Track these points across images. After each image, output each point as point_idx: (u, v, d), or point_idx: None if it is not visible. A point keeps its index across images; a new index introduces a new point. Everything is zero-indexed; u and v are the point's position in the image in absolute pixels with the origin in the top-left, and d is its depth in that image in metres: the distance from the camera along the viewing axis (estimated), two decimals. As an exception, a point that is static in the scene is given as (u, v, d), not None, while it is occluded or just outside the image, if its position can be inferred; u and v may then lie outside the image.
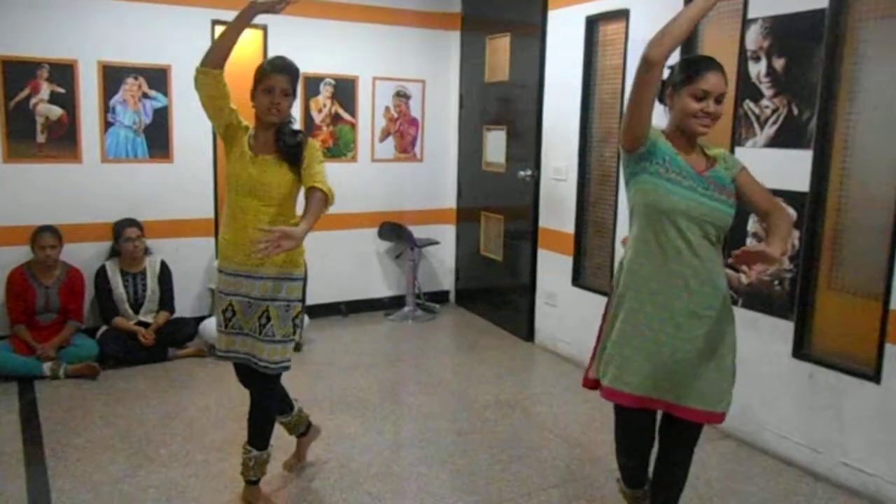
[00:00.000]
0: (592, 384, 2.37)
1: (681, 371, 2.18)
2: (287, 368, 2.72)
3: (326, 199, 2.56)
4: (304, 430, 3.10)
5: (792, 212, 3.10)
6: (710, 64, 2.13)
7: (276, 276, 2.65)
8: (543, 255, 4.90)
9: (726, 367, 2.23)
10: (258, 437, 2.78)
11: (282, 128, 2.65)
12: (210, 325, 3.95)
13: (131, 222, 4.51)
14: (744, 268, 1.93)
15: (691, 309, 2.16)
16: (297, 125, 2.79)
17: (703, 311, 2.17)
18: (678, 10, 2.12)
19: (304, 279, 2.79)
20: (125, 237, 4.43)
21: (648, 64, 1.98)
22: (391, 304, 5.75)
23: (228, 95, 2.60)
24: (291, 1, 2.50)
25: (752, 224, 3.32)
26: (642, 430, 2.33)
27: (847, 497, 3.01)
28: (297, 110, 5.09)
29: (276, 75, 2.58)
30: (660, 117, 2.29)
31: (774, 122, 3.26)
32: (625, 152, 2.20)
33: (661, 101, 2.23)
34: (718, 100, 2.11)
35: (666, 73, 2.22)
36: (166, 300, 4.60)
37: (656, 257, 2.16)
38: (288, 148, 2.63)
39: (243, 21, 2.50)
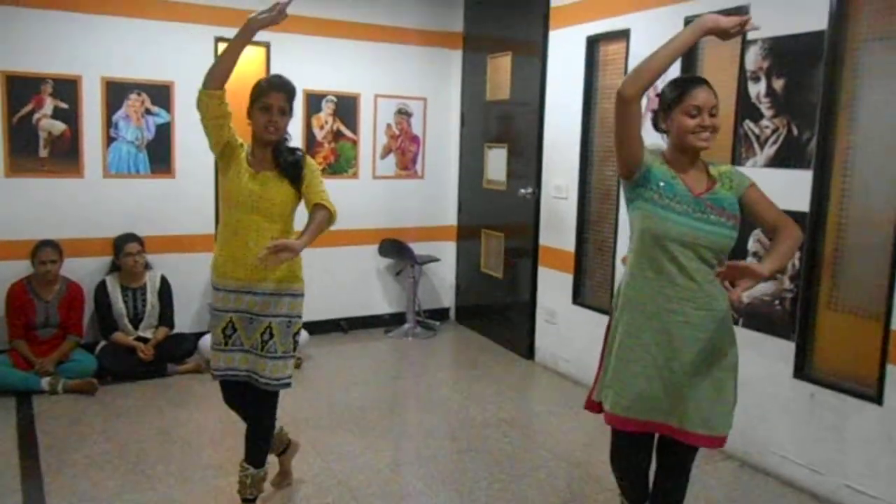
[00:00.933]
0: (595, 407, 2.36)
1: (680, 394, 2.17)
2: (288, 385, 2.70)
3: (330, 216, 2.59)
4: (283, 448, 3.08)
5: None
6: (697, 80, 2.17)
7: (277, 292, 2.65)
8: (544, 273, 4.90)
9: (727, 390, 2.22)
10: (256, 454, 2.76)
11: (279, 145, 2.66)
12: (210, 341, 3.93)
13: (132, 237, 4.52)
14: (727, 284, 1.94)
15: (688, 333, 2.15)
16: (294, 142, 2.79)
17: (701, 334, 2.16)
18: (678, 30, 2.14)
19: None
20: (125, 252, 4.44)
21: (623, 100, 2.01)
22: (391, 321, 5.74)
23: (230, 114, 2.60)
24: (286, 13, 2.48)
25: (753, 243, 3.32)
26: (640, 453, 2.33)
27: (849, 519, 3.00)
28: (298, 127, 5.12)
29: (274, 93, 2.58)
30: (654, 137, 2.30)
31: (774, 142, 3.28)
32: (622, 178, 2.22)
33: (657, 128, 2.24)
34: (712, 113, 2.12)
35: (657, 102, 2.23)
36: (166, 316, 4.59)
37: (652, 282, 2.17)
38: (288, 165, 2.64)
39: (244, 39, 2.50)
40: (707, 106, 2.11)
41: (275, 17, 2.47)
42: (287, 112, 2.63)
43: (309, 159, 2.72)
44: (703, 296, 2.14)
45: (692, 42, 2.08)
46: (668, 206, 2.12)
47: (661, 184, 2.14)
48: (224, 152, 2.64)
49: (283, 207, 2.64)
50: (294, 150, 2.71)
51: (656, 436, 2.33)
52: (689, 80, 2.19)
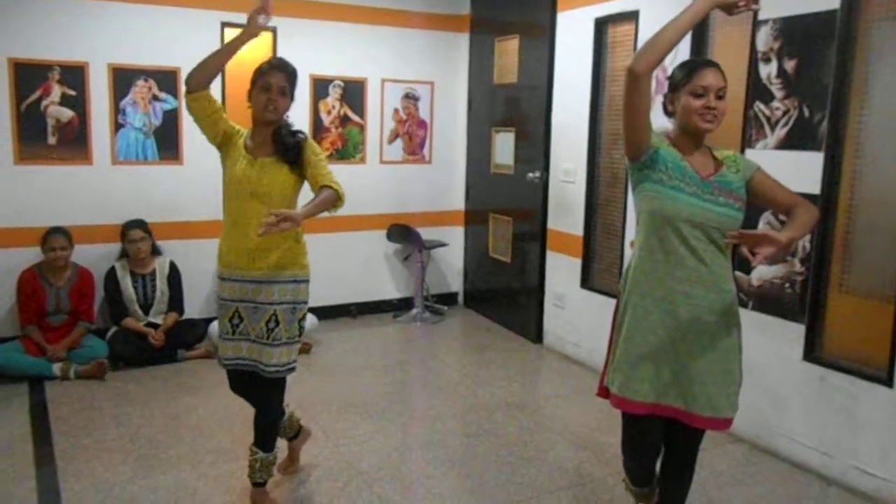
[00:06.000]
0: (606, 393, 2.35)
1: (688, 377, 2.17)
2: (293, 370, 2.71)
3: (337, 197, 2.55)
4: (294, 434, 3.09)
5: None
6: (706, 61, 2.16)
7: (278, 279, 2.63)
8: (552, 257, 4.89)
9: (733, 372, 2.22)
10: (265, 439, 2.78)
11: (280, 128, 2.63)
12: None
13: (136, 224, 4.52)
14: (744, 249, 1.94)
15: (697, 315, 2.15)
16: (301, 128, 2.77)
17: (709, 316, 2.15)
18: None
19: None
20: (129, 239, 4.45)
21: (633, 76, 1.99)
22: (399, 306, 5.75)
23: (221, 108, 2.61)
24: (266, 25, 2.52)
25: (762, 226, 3.30)
26: (650, 436, 2.32)
27: (859, 502, 2.99)
28: (306, 112, 5.11)
29: (275, 73, 2.57)
30: (662, 120, 2.28)
31: (785, 124, 3.25)
32: (628, 160, 2.20)
33: (666, 112, 2.22)
34: (720, 95, 2.10)
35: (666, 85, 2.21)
36: (175, 301, 4.62)
37: (661, 264, 2.16)
38: (286, 148, 2.61)
39: (239, 43, 2.51)
40: (714, 87, 2.09)
41: (254, 30, 2.51)
42: (287, 93, 2.61)
43: (311, 142, 2.68)
44: (711, 278, 2.14)
45: (702, 15, 2.04)
46: (677, 187, 2.11)
47: (669, 165, 2.12)
48: (223, 143, 2.65)
49: (283, 192, 2.61)
50: (296, 132, 2.68)
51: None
52: (699, 61, 2.19)
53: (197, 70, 2.52)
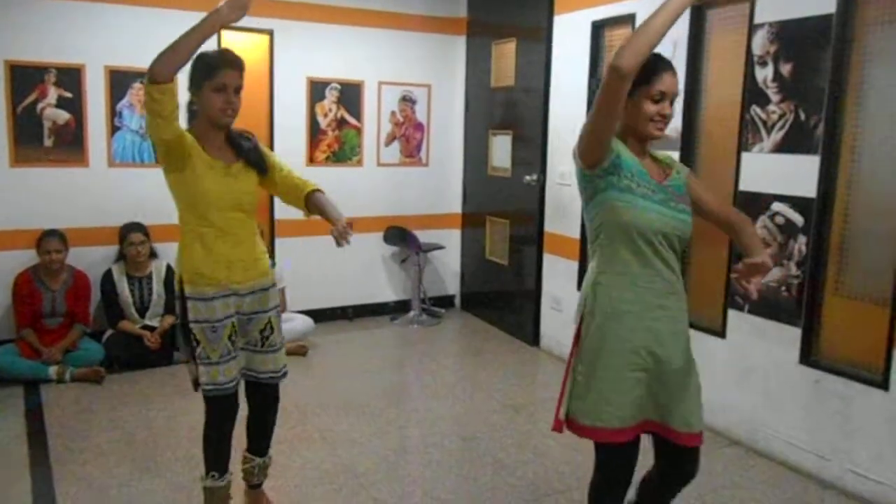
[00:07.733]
0: (562, 427, 2.10)
1: (664, 392, 2.04)
2: (286, 373, 2.70)
3: None
4: (260, 482, 2.86)
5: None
6: (666, 63, 2.00)
7: (269, 285, 2.59)
8: (549, 260, 4.89)
9: (698, 384, 2.10)
10: (262, 444, 2.76)
11: (230, 132, 2.48)
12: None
13: (136, 227, 4.52)
14: (743, 283, 1.91)
15: (671, 327, 2.02)
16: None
17: (680, 326, 2.06)
18: (686, 13, 2.10)
19: None
20: (129, 242, 4.44)
21: (621, 74, 1.78)
22: (397, 309, 5.75)
23: (178, 106, 2.27)
24: (247, 6, 2.28)
25: (758, 230, 3.31)
26: (632, 463, 2.10)
27: (855, 504, 3.00)
28: (302, 115, 5.10)
29: (229, 71, 2.32)
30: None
31: (781, 128, 3.25)
32: (586, 168, 1.99)
33: None
34: (672, 101, 2.00)
35: None
36: (172, 304, 4.59)
37: (639, 277, 1.99)
38: (248, 153, 2.49)
39: (205, 33, 2.23)
40: (671, 93, 1.98)
41: (234, 13, 2.26)
42: (240, 90, 2.38)
43: (261, 144, 2.59)
44: (679, 287, 2.05)
45: (687, 5, 1.90)
46: (646, 196, 1.97)
47: (634, 171, 1.98)
48: (177, 145, 2.31)
49: (255, 199, 2.52)
50: (243, 133, 2.54)
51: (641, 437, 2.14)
52: (660, 62, 1.98)
53: (166, 55, 2.16)
